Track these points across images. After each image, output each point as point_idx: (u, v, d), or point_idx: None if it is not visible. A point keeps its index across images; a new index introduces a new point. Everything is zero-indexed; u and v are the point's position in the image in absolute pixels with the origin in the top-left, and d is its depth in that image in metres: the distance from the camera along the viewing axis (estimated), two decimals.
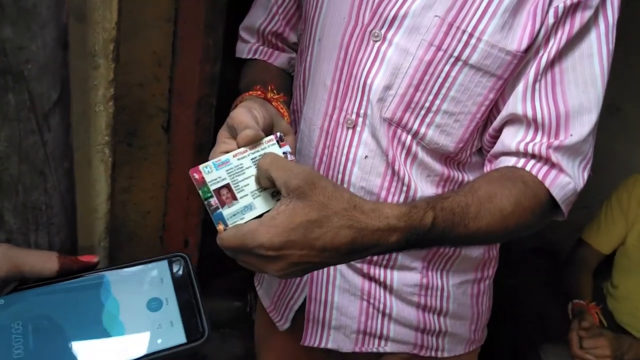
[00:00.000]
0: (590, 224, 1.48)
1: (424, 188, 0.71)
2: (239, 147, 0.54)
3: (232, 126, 0.55)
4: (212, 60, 1.26)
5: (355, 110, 0.69)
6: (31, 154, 0.50)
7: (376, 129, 0.67)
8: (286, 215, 0.49)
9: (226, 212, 0.52)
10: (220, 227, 0.52)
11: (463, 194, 0.59)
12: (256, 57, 0.83)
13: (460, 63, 0.63)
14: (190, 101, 1.27)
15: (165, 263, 0.47)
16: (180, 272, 0.46)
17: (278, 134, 0.57)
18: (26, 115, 0.48)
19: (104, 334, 0.42)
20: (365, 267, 0.76)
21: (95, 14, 0.58)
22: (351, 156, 0.71)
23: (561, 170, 0.64)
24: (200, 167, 0.52)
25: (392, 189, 0.71)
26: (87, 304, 0.43)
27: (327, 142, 0.72)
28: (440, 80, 0.64)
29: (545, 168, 0.64)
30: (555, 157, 0.64)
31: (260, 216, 0.52)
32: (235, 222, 0.52)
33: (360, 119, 0.69)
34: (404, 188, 0.70)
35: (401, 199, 0.70)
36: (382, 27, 0.65)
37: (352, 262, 0.75)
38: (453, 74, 0.64)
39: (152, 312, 0.44)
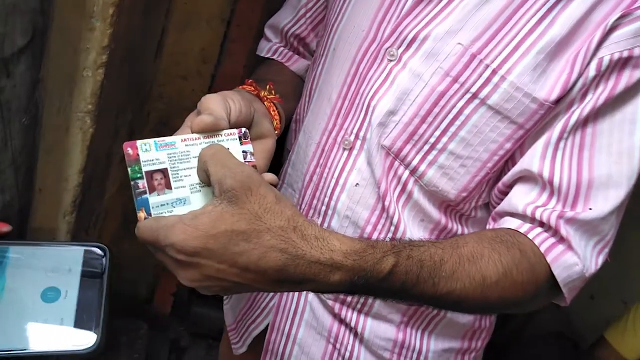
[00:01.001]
0: (617, 323, 1.31)
1: (415, 232, 0.62)
2: (192, 133, 0.48)
3: (199, 110, 0.49)
4: (256, 66, 1.24)
5: (354, 131, 0.62)
6: None
7: (372, 155, 0.60)
8: (210, 217, 0.42)
9: (153, 199, 0.46)
10: (141, 214, 0.45)
11: (442, 246, 0.50)
12: (274, 57, 0.78)
13: (476, 101, 0.55)
14: None
15: (80, 251, 0.42)
16: (94, 265, 0.41)
17: (243, 129, 0.50)
18: None
19: None
20: (337, 307, 0.67)
21: None
22: (341, 181, 0.63)
23: (570, 247, 0.54)
24: (138, 142, 0.46)
25: (379, 226, 0.62)
26: None
27: (321, 161, 0.65)
28: (451, 115, 0.56)
29: (551, 240, 0.54)
30: (565, 230, 0.53)
31: None
32: (161, 213, 0.46)
33: (359, 142, 0.61)
34: (392, 228, 0.61)
35: (387, 238, 0.62)
36: (399, 47, 0.58)
37: (324, 297, 0.67)
38: (467, 111, 0.55)
39: (45, 302, 0.39)
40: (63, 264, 0.41)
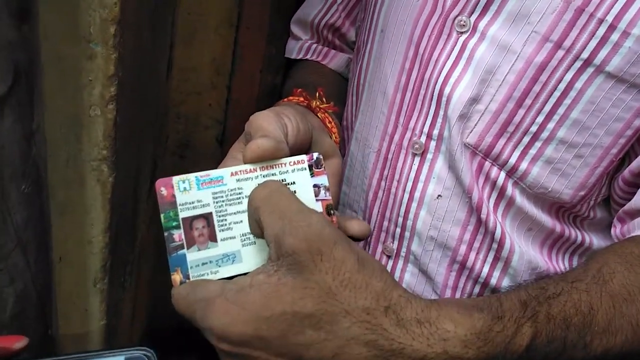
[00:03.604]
0: None
1: (524, 247, 0.47)
2: (245, 163, 0.35)
3: (249, 133, 0.36)
4: (274, 70, 1.11)
5: (425, 130, 0.48)
6: None
7: (455, 158, 0.46)
8: (262, 293, 0.29)
9: (193, 256, 0.33)
10: (177, 277, 0.32)
11: (585, 287, 0.35)
12: (308, 57, 0.64)
13: (590, 69, 0.41)
14: (248, 113, 1.11)
15: None
16: None
17: (315, 154, 0.37)
18: None
19: None
20: None
21: None
22: (417, 194, 0.49)
23: None
24: (175, 179, 0.33)
25: (477, 244, 0.48)
26: None
27: (385, 173, 0.51)
28: (557, 93, 0.42)
29: None
30: None
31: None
32: (202, 275, 0.33)
33: (433, 143, 0.47)
34: (494, 245, 0.47)
35: (490, 259, 0.48)
36: (471, 13, 0.44)
37: None
38: (578, 85, 0.41)
39: None
40: None
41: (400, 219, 0.51)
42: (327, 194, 0.37)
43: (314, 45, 0.66)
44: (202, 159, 1.16)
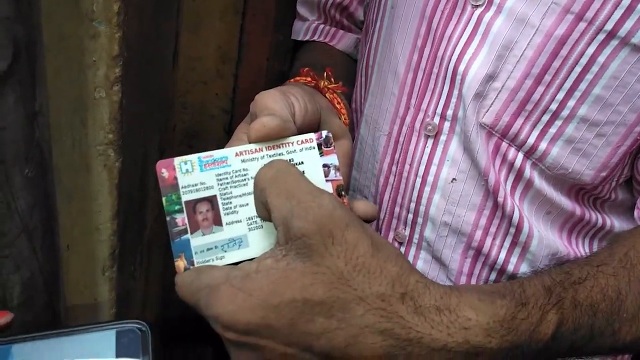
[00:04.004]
0: None
1: (542, 231, 0.45)
2: (250, 143, 0.33)
3: (254, 113, 0.34)
4: (281, 57, 1.09)
5: (439, 110, 0.45)
6: None
7: (470, 139, 0.44)
8: (270, 278, 0.27)
9: (197, 241, 0.31)
10: (180, 263, 0.31)
11: (612, 270, 0.33)
12: (315, 38, 0.62)
13: (615, 41, 0.38)
14: None
15: (110, 335, 0.28)
16: (133, 352, 0.28)
17: (324, 132, 0.35)
18: None
19: None
20: None
21: None
22: (430, 178, 0.47)
23: None
24: (176, 160, 0.32)
25: (493, 229, 0.46)
26: None
27: (397, 157, 0.49)
28: (578, 68, 0.39)
29: None
30: None
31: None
32: (208, 260, 0.31)
33: (447, 124, 0.45)
34: (512, 230, 0.45)
35: (507, 244, 0.46)
36: None
37: None
38: (601, 59, 0.39)
39: None
40: (89, 356, 0.28)
41: (413, 204, 0.49)
42: (338, 174, 0.35)
43: (322, 26, 0.64)
44: (210, 148, 1.14)
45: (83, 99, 0.42)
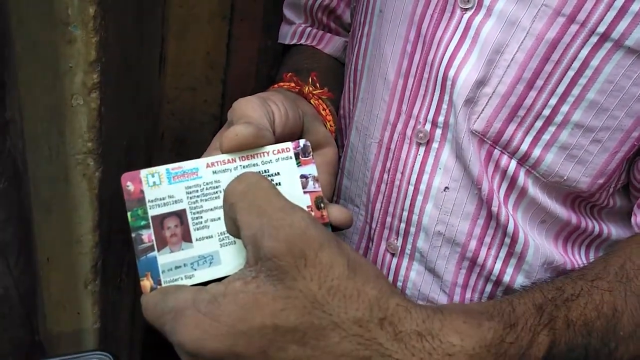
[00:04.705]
0: None
1: (537, 240, 0.44)
2: (222, 152, 0.31)
3: (231, 121, 0.32)
4: (270, 62, 1.08)
5: (430, 117, 0.44)
6: None
7: (462, 147, 0.42)
8: (239, 302, 0.25)
9: (164, 259, 0.29)
10: (146, 283, 0.29)
11: (607, 285, 0.32)
12: (302, 42, 0.60)
13: (608, 44, 0.37)
14: None
15: None
16: None
17: (301, 141, 0.33)
18: None
19: None
20: None
21: None
22: (422, 187, 0.45)
23: None
24: (143, 172, 0.29)
25: (488, 239, 0.44)
26: None
27: (388, 165, 0.47)
28: (571, 72, 0.38)
29: None
30: None
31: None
32: (176, 280, 0.29)
33: (438, 131, 0.44)
34: (507, 240, 0.43)
35: (502, 254, 0.44)
36: None
37: None
38: (595, 62, 0.37)
39: None
40: None
41: (405, 214, 0.47)
42: (317, 185, 0.33)
43: (308, 29, 0.62)
44: (199, 156, 1.13)
45: (60, 106, 0.40)
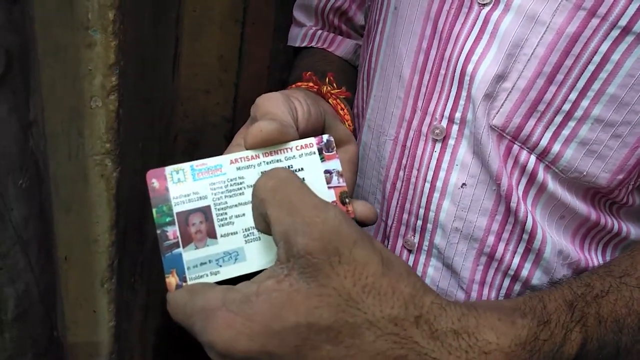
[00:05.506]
0: None
1: (556, 237, 0.43)
2: (246, 149, 0.31)
3: (255, 117, 0.32)
4: (282, 65, 1.09)
5: (447, 113, 0.44)
6: None
7: (481, 143, 0.42)
8: (272, 302, 0.25)
9: (189, 255, 0.29)
10: (172, 280, 0.28)
11: (635, 282, 0.31)
12: (313, 44, 0.60)
13: (630, 37, 0.36)
14: None
15: None
16: None
17: (325, 136, 0.33)
18: None
19: None
20: None
21: None
22: (439, 183, 0.45)
23: None
24: (168, 169, 0.29)
25: (506, 235, 0.44)
26: None
27: (404, 162, 0.47)
28: (592, 66, 0.38)
29: None
30: None
31: (250, 277, 0.28)
32: (201, 276, 0.29)
33: (455, 127, 0.44)
34: (525, 236, 0.43)
35: (520, 250, 0.44)
36: None
37: None
38: (616, 56, 0.37)
39: None
40: None
41: (422, 211, 0.47)
42: (341, 180, 0.32)
43: (319, 32, 0.62)
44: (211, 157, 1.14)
45: (79, 108, 0.40)
